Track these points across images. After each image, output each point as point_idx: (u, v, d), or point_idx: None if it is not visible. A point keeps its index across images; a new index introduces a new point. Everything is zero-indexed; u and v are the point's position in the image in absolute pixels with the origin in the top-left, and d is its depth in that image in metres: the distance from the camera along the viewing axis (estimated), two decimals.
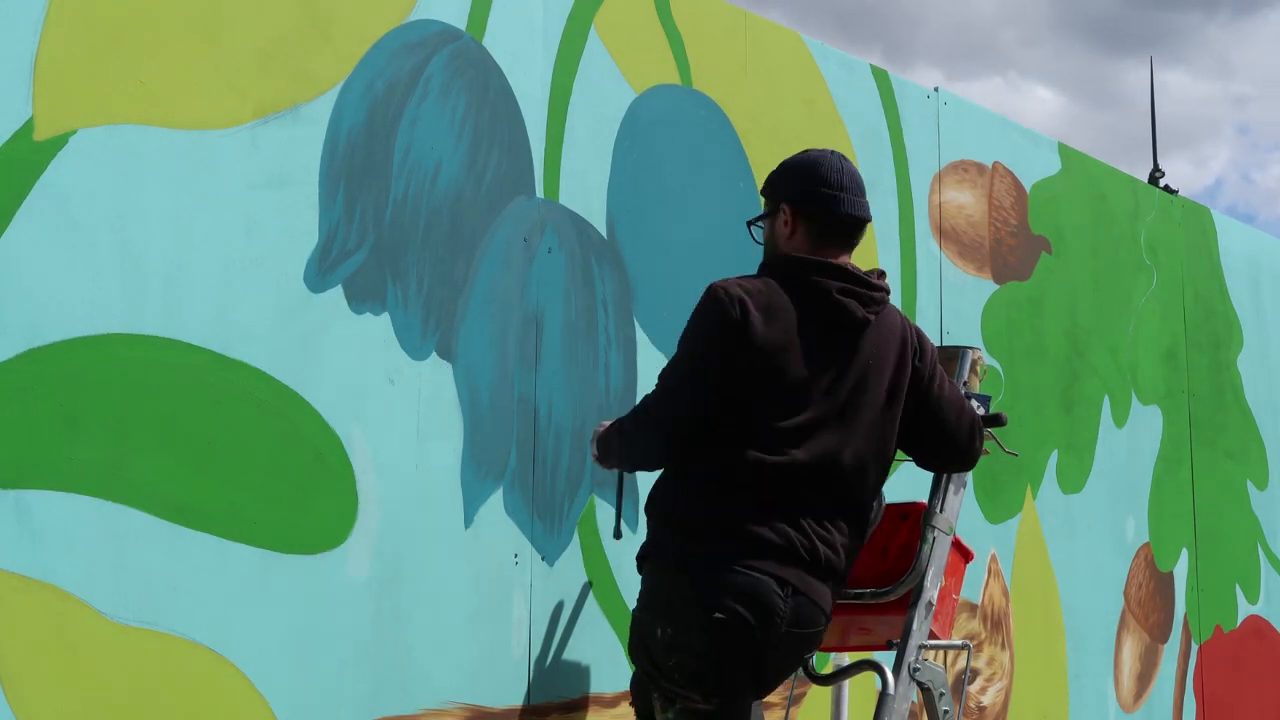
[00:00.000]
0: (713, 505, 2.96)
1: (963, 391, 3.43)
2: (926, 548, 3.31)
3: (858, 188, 3.13)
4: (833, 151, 3.17)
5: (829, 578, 3.01)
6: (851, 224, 3.12)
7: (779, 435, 2.97)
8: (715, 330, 2.98)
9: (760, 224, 3.21)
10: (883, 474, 3.14)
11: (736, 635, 2.90)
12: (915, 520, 3.42)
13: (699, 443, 2.99)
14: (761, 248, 3.20)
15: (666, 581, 2.98)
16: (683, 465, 3.03)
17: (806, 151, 3.20)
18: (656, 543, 3.03)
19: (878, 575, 3.40)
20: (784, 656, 3.02)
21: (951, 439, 3.25)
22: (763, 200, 3.22)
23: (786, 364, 2.98)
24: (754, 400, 2.98)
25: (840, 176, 3.10)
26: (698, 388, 2.99)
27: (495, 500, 3.54)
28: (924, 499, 3.46)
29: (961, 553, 3.52)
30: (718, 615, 2.88)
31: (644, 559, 3.07)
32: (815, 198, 3.09)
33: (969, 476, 3.48)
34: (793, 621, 2.94)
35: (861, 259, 4.55)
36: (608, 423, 3.17)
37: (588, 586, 3.73)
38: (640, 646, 3.01)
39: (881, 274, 3.17)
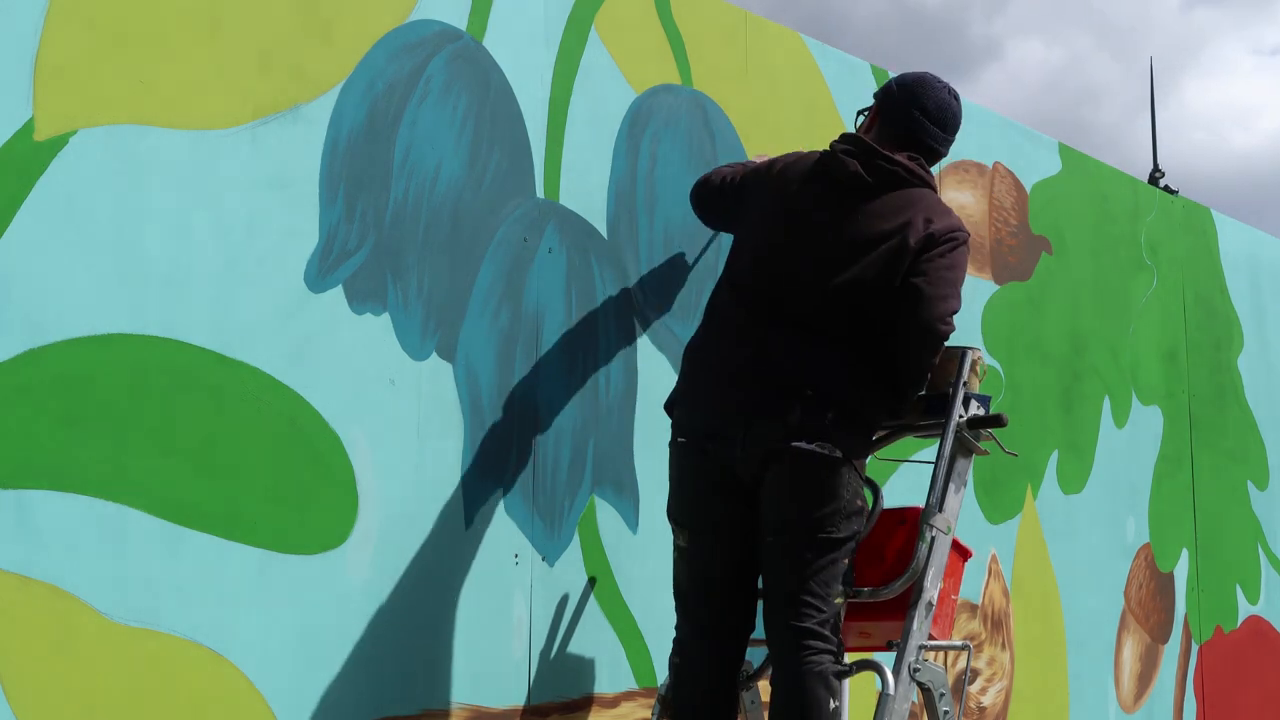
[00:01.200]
0: (698, 340, 3.38)
1: (963, 392, 3.42)
2: (924, 546, 3.30)
3: (943, 120, 3.43)
4: (948, 88, 3.47)
5: (786, 393, 3.17)
6: (912, 140, 3.39)
7: (754, 272, 3.32)
8: (762, 168, 3.46)
9: (863, 114, 3.54)
10: (844, 319, 3.23)
11: (687, 456, 3.28)
12: (913, 525, 3.42)
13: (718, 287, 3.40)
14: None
15: (672, 414, 3.39)
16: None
17: (925, 72, 3.50)
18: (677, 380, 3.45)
19: (876, 579, 3.40)
20: (763, 479, 3.18)
21: (902, 349, 3.27)
22: (875, 101, 3.51)
23: (777, 205, 3.36)
24: (745, 241, 3.40)
25: (928, 103, 3.41)
26: (735, 197, 3.51)
27: (495, 500, 3.54)
28: (920, 503, 3.45)
29: (960, 552, 3.51)
30: (679, 440, 3.30)
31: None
32: (896, 106, 3.41)
33: (969, 476, 3.48)
34: (735, 435, 3.19)
35: None
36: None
37: (588, 586, 3.73)
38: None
39: (912, 157, 3.35)
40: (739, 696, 3.31)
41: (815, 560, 3.14)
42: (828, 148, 3.39)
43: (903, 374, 3.30)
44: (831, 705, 3.07)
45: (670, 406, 3.41)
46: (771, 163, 3.48)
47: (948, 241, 3.28)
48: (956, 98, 3.47)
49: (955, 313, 3.29)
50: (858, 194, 3.30)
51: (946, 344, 3.36)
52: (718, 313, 3.36)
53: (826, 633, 3.14)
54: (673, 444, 3.34)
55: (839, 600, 3.17)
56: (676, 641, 3.31)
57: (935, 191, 3.37)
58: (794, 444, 3.14)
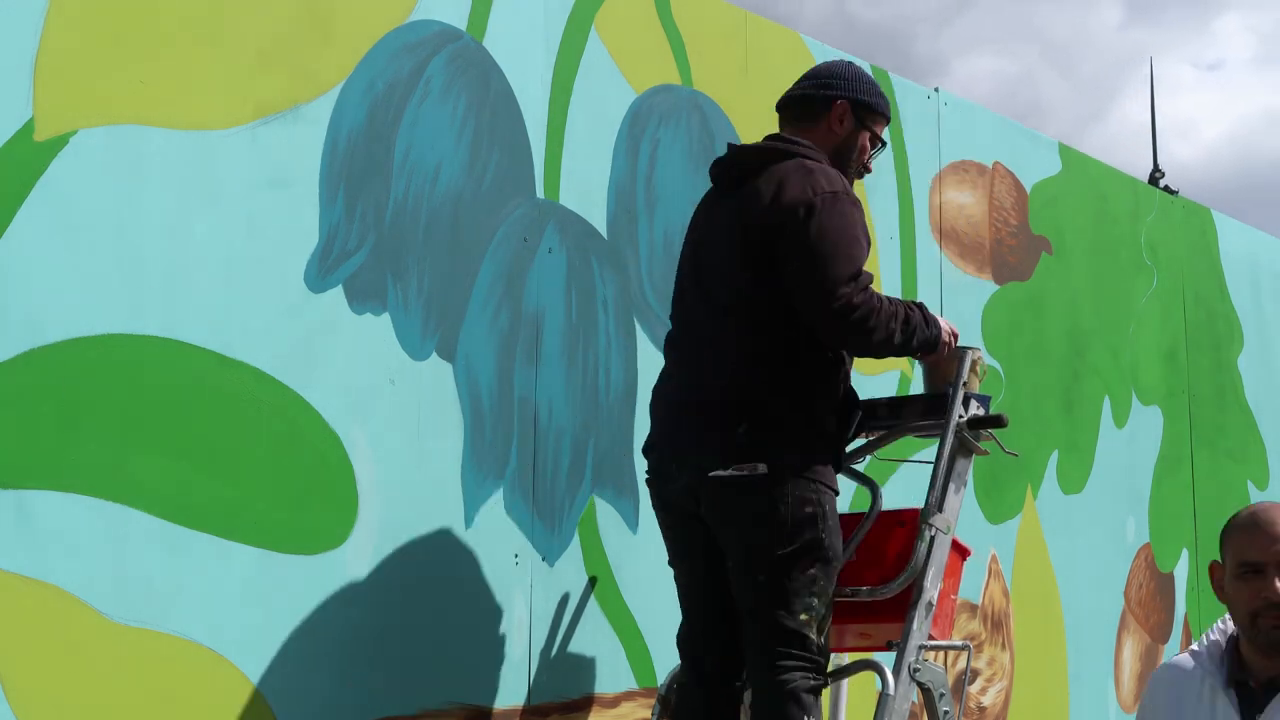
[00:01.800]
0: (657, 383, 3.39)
1: (964, 392, 3.42)
2: (923, 545, 3.30)
3: (799, 84, 3.42)
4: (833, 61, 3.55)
5: (696, 418, 3.15)
6: (782, 107, 3.41)
7: (673, 303, 3.40)
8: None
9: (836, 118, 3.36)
10: (751, 324, 3.13)
11: (651, 494, 3.31)
12: (912, 526, 3.42)
13: None
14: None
15: None
16: None
17: (844, 62, 3.50)
18: None
19: (875, 580, 3.39)
20: (689, 507, 3.16)
21: (808, 316, 3.11)
22: (817, 97, 3.34)
23: (687, 236, 3.41)
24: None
25: (808, 77, 3.44)
26: None
27: (495, 500, 3.54)
28: (920, 504, 3.45)
29: (959, 551, 3.51)
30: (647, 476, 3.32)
31: None
32: (879, 102, 3.42)
33: (969, 476, 3.47)
34: (669, 466, 3.20)
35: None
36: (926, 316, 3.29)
37: (588, 586, 3.73)
38: None
39: (773, 136, 3.33)
40: (735, 708, 3.27)
41: (769, 580, 3.06)
42: None
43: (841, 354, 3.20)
44: None
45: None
46: None
47: (801, 207, 3.08)
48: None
49: (847, 279, 3.06)
50: (727, 192, 3.27)
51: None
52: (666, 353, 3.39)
53: (794, 649, 3.04)
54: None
55: (805, 615, 3.04)
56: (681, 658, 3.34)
57: (809, 158, 3.19)
58: (711, 474, 3.08)
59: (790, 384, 3.11)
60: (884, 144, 3.44)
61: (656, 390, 3.35)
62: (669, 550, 3.32)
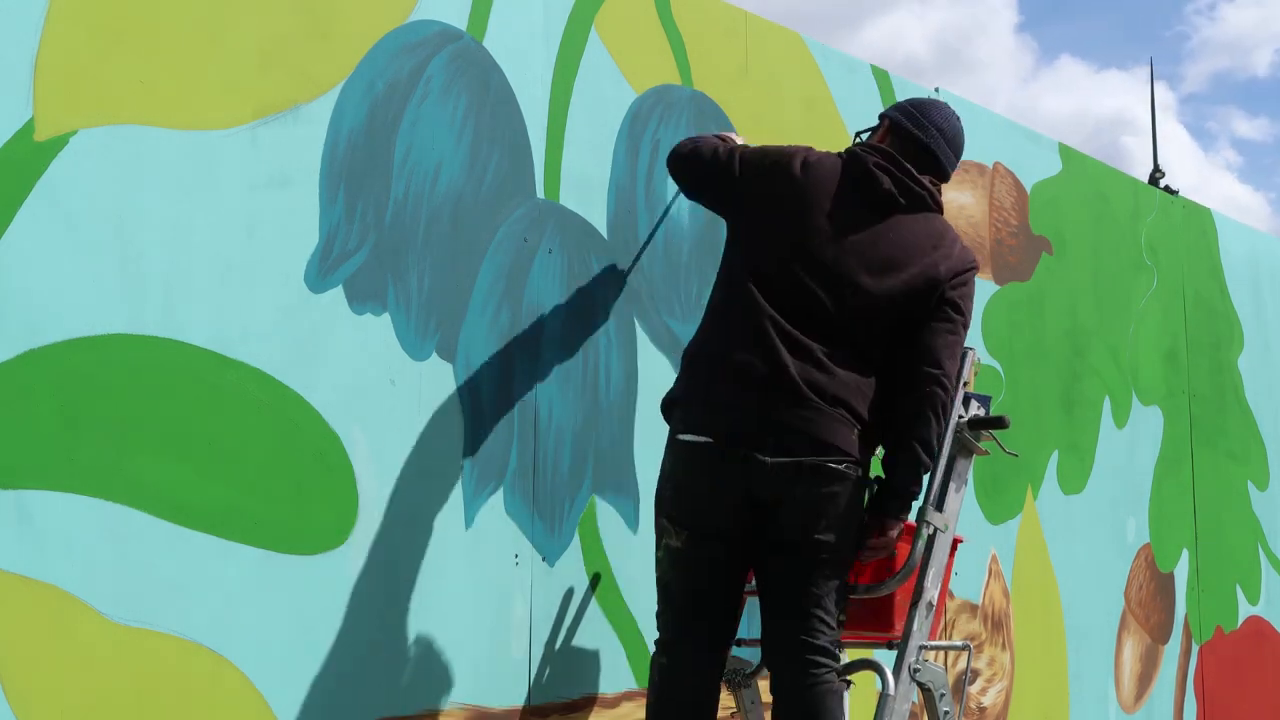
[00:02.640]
0: (708, 340, 3.24)
1: (964, 392, 3.42)
2: (921, 543, 3.30)
3: (952, 143, 3.41)
4: (949, 107, 3.47)
5: (816, 406, 3.11)
6: (932, 162, 3.37)
7: (777, 278, 3.20)
8: (772, 162, 3.29)
9: (863, 135, 3.52)
10: (872, 343, 3.20)
11: (700, 457, 3.14)
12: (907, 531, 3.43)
13: (717, 283, 3.30)
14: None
15: (673, 415, 3.26)
16: (706, 308, 3.32)
17: (932, 97, 3.59)
18: (676, 380, 3.32)
19: (868, 579, 3.40)
20: (779, 497, 3.11)
21: (903, 388, 3.22)
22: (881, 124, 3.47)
23: (805, 209, 3.23)
24: (765, 242, 3.25)
25: (942, 124, 3.40)
26: (728, 178, 3.35)
27: (495, 500, 3.54)
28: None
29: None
30: (683, 437, 3.16)
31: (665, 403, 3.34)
32: (914, 123, 3.37)
33: (970, 475, 3.48)
34: (761, 446, 3.09)
35: None
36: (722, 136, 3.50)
37: (588, 587, 3.73)
38: (658, 486, 3.26)
39: (934, 182, 3.36)
40: (717, 699, 3.26)
41: (831, 578, 3.13)
42: (851, 153, 3.33)
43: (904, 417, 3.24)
44: None
45: (673, 403, 3.26)
46: (784, 157, 3.31)
47: (969, 269, 3.32)
48: (958, 118, 3.47)
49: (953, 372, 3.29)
50: (890, 212, 3.27)
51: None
52: (732, 311, 3.22)
53: (835, 650, 3.14)
54: (681, 442, 3.18)
55: (844, 618, 3.19)
56: (661, 642, 3.22)
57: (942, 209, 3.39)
58: (827, 461, 3.10)
59: (879, 406, 3.22)
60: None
61: (725, 349, 3.19)
62: (693, 523, 3.16)
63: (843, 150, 3.37)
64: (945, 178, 3.41)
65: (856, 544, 3.19)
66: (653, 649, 3.25)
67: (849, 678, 3.19)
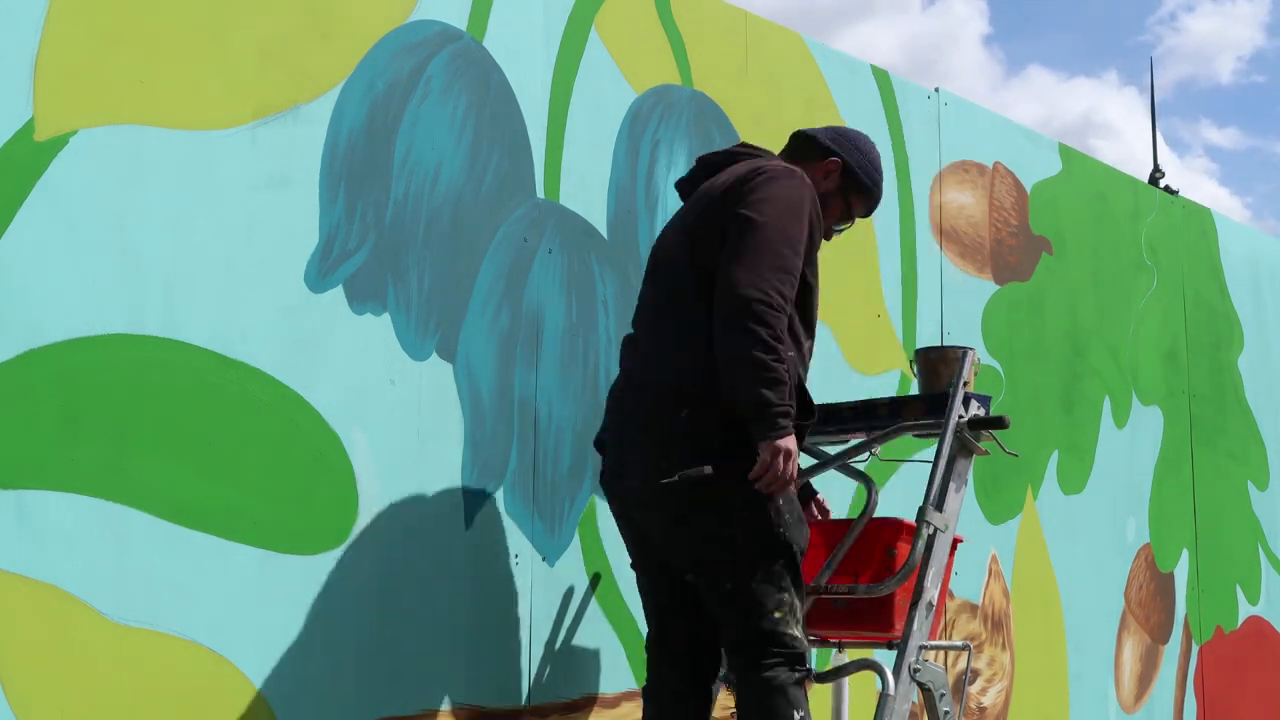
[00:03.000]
0: None
1: (964, 392, 3.42)
2: (921, 543, 3.30)
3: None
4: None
5: (639, 411, 3.09)
6: (864, 211, 3.44)
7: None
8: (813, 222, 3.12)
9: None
10: (677, 292, 3.10)
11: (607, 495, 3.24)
12: (897, 529, 3.44)
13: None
14: None
15: None
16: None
17: (867, 137, 3.44)
18: None
19: (866, 580, 3.40)
20: (643, 519, 3.13)
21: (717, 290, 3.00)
22: (819, 143, 3.37)
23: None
24: None
25: (881, 177, 3.45)
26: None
27: (495, 500, 3.54)
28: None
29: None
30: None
31: None
32: (869, 182, 3.40)
33: (970, 475, 3.48)
34: (613, 479, 3.18)
35: (862, 259, 4.56)
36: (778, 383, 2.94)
37: (588, 586, 3.73)
38: None
39: (752, 146, 3.34)
40: (710, 707, 3.25)
41: (732, 584, 3.01)
42: None
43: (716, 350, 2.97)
44: (796, 716, 2.96)
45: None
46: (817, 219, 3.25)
47: (759, 174, 3.07)
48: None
49: (774, 270, 2.95)
50: (699, 185, 3.26)
51: (946, 344, 3.36)
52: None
53: (773, 646, 2.99)
54: None
55: (779, 613, 2.99)
56: (646, 663, 3.29)
57: (776, 161, 3.22)
58: (660, 482, 2.97)
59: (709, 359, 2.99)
60: (851, 222, 3.44)
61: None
62: (630, 556, 3.28)
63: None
64: (798, 148, 3.38)
65: (754, 537, 2.99)
66: None
67: (801, 670, 3.02)
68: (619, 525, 3.27)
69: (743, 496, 2.96)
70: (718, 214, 3.07)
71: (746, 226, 2.99)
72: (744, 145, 3.36)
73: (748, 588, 2.99)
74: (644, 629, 3.80)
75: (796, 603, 3.04)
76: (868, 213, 3.46)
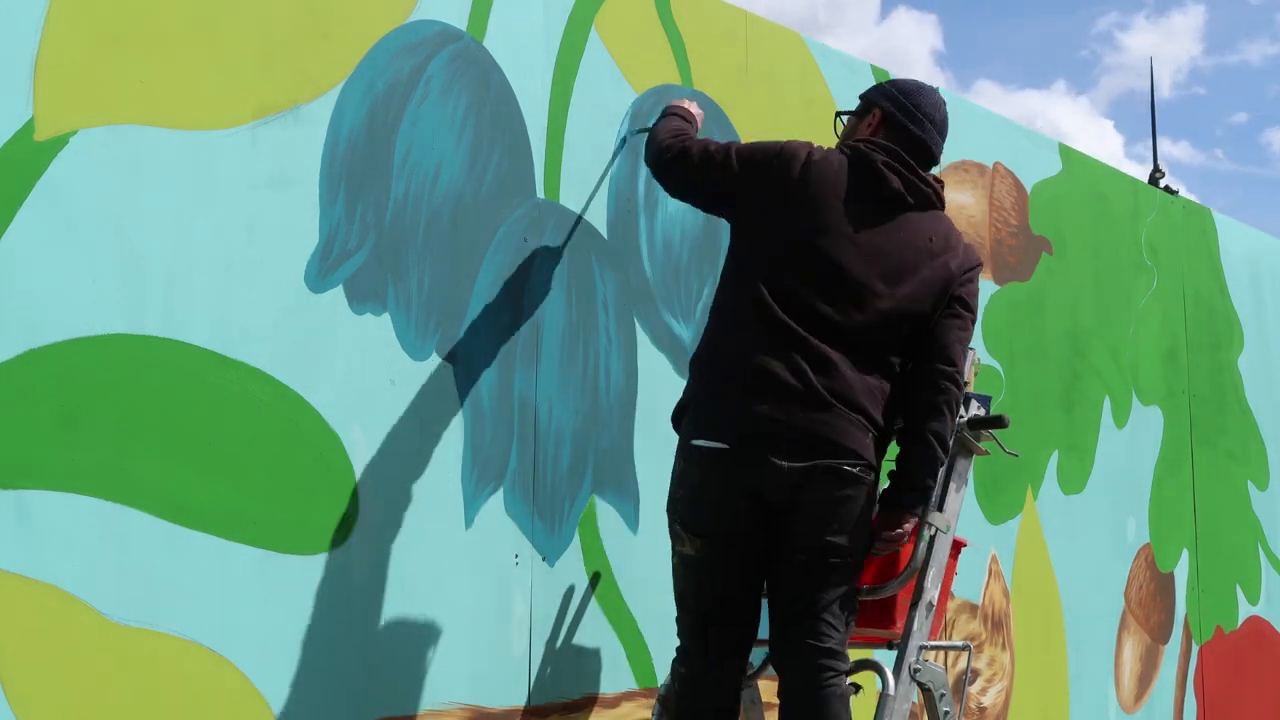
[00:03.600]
0: (722, 343, 3.18)
1: (964, 392, 3.42)
2: (923, 545, 3.30)
3: (941, 129, 3.40)
4: (938, 90, 3.46)
5: (833, 411, 3.09)
6: (925, 153, 3.35)
7: (791, 280, 3.15)
8: (773, 158, 3.24)
9: (845, 117, 3.49)
10: (887, 346, 3.19)
11: (715, 462, 3.10)
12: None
13: (724, 284, 3.26)
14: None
15: (688, 420, 3.20)
16: (711, 310, 3.27)
17: (912, 79, 3.47)
18: (684, 391, 3.26)
19: (869, 578, 3.40)
20: (791, 502, 3.09)
21: (914, 385, 3.22)
22: (859, 101, 3.44)
23: (815, 210, 3.19)
24: (775, 242, 3.19)
25: (933, 112, 3.38)
26: (726, 177, 3.29)
27: (495, 500, 3.54)
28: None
29: (953, 544, 3.51)
30: (696, 442, 3.12)
31: (677, 411, 3.28)
32: (906, 114, 3.34)
33: (970, 475, 3.48)
34: (777, 449, 3.07)
35: None
36: (683, 115, 3.55)
37: (588, 586, 3.73)
38: (670, 492, 3.22)
39: (937, 179, 3.34)
40: (738, 705, 3.25)
41: (842, 582, 3.11)
42: (855, 150, 3.27)
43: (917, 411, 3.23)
44: None
45: (684, 409, 3.21)
46: (786, 154, 3.24)
47: (976, 266, 3.32)
48: (944, 101, 3.46)
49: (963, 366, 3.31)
50: (898, 211, 3.24)
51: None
52: (742, 314, 3.16)
53: (844, 653, 3.12)
54: (693, 448, 3.13)
55: (852, 623, 3.17)
56: (681, 650, 3.20)
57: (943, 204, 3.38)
58: (843, 464, 3.08)
59: (893, 409, 3.22)
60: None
61: (737, 353, 3.14)
62: (708, 530, 3.11)
63: (843, 147, 3.30)
64: (935, 164, 3.41)
65: (867, 548, 3.18)
66: (673, 655, 3.24)
67: (855, 682, 3.15)
68: (722, 496, 3.10)
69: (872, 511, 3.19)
70: (945, 290, 3.24)
71: (968, 323, 3.29)
72: (939, 184, 3.35)
73: (848, 591, 3.15)
74: (645, 629, 3.81)
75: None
76: (929, 141, 3.38)
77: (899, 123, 3.33)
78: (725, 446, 3.09)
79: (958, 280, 3.25)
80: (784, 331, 3.11)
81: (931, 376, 3.20)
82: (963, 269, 3.26)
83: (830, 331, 3.13)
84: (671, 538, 3.20)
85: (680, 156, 3.37)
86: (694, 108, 3.64)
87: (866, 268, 3.16)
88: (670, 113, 3.59)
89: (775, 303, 3.13)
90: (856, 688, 3.15)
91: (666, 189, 3.46)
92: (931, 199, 3.29)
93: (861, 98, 3.45)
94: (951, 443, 3.26)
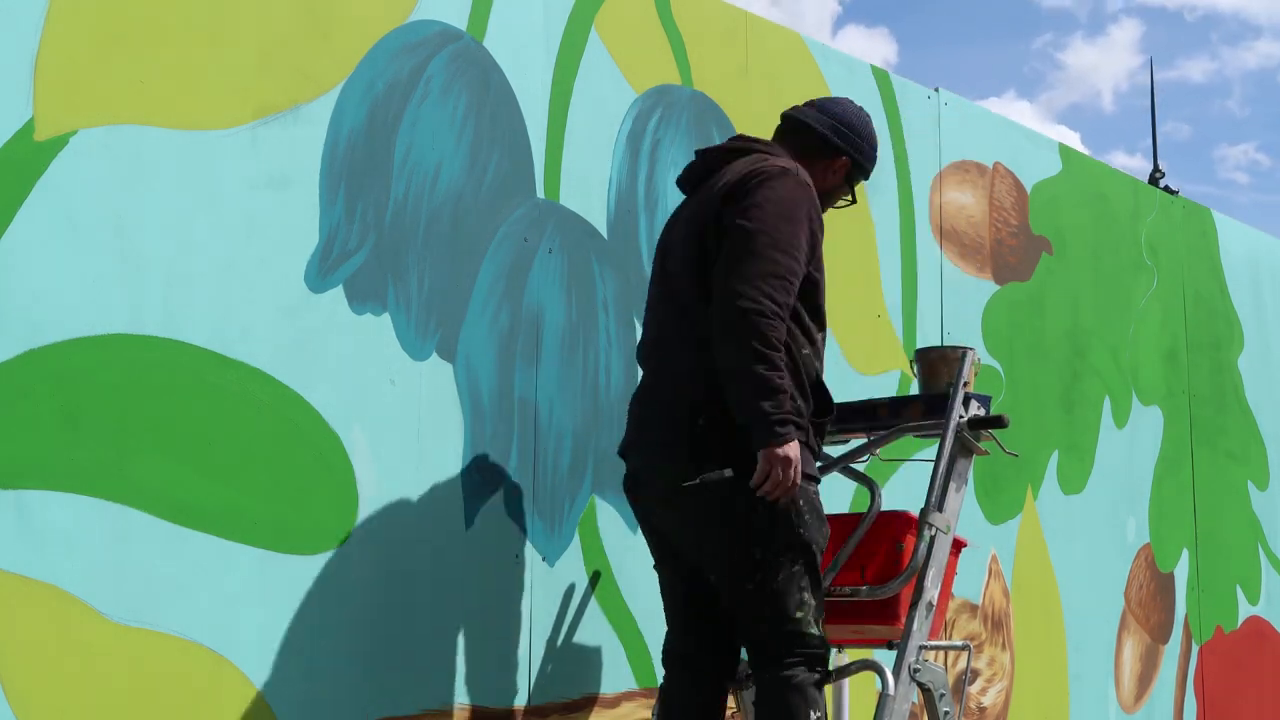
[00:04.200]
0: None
1: (964, 392, 3.42)
2: (924, 546, 3.30)
3: (822, 107, 3.41)
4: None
5: (662, 417, 3.09)
6: (800, 132, 3.36)
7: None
8: (817, 224, 3.12)
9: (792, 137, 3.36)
10: (692, 311, 3.07)
11: (628, 499, 3.25)
12: (902, 524, 3.43)
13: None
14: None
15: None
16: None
17: (862, 115, 3.40)
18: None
19: (871, 577, 3.40)
20: (662, 521, 3.16)
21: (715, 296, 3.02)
22: (826, 140, 3.31)
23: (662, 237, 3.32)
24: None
25: (877, 143, 3.45)
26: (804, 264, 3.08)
27: (495, 500, 3.54)
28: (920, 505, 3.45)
29: (954, 543, 3.51)
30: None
31: None
32: (871, 167, 3.41)
33: (970, 475, 3.48)
34: (644, 484, 3.16)
35: (863, 258, 4.55)
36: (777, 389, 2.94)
37: (588, 587, 3.73)
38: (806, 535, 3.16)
39: (748, 137, 3.33)
40: (723, 708, 3.25)
41: (754, 585, 3.00)
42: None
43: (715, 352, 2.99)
44: (813, 716, 2.97)
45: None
46: (818, 214, 3.21)
47: (751, 180, 3.05)
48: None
49: (765, 277, 2.94)
50: (700, 187, 3.24)
51: (945, 344, 3.35)
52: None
53: (794, 646, 3.00)
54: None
55: (800, 612, 3.00)
56: (662, 654, 3.29)
57: (769, 153, 3.19)
58: (681, 485, 2.97)
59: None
60: (853, 200, 3.45)
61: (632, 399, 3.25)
62: (651, 553, 3.28)
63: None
64: (803, 143, 3.29)
65: (777, 538, 2.99)
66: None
67: (829, 670, 3.08)
68: (643, 529, 3.27)
69: (763, 497, 2.96)
70: (718, 218, 3.07)
71: (740, 234, 2.99)
72: (742, 138, 3.33)
73: (769, 588, 3.00)
74: (645, 629, 3.81)
75: (815, 603, 3.05)
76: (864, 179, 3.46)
77: (864, 172, 3.40)
78: (625, 484, 3.27)
79: (720, 199, 3.07)
80: (643, 358, 3.28)
81: (715, 306, 2.99)
82: (730, 184, 3.07)
83: (664, 334, 3.21)
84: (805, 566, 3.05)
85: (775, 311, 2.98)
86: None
87: (672, 256, 3.22)
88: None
89: (643, 335, 3.31)
90: (827, 674, 3.05)
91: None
92: (729, 153, 3.25)
93: (822, 139, 3.31)
94: (755, 358, 2.89)
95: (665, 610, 3.28)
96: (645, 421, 3.17)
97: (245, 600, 3.06)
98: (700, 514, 3.03)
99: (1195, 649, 5.82)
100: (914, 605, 3.30)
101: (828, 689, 3.79)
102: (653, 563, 3.29)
